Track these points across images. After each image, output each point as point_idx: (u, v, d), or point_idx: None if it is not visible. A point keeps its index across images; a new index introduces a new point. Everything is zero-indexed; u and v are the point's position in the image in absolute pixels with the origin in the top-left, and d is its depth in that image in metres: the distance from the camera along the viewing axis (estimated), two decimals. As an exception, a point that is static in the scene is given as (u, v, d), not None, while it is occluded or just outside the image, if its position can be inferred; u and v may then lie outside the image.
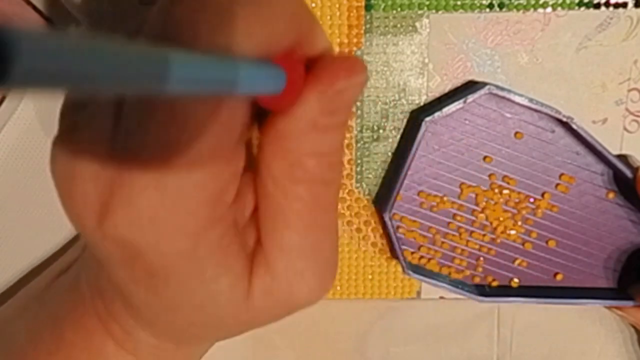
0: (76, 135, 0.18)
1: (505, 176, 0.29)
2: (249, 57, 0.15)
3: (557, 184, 0.29)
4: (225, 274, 0.18)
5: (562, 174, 0.29)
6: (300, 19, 0.17)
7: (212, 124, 0.16)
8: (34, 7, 0.25)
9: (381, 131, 0.28)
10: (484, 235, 0.29)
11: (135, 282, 0.18)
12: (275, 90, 0.16)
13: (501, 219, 0.29)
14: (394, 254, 0.29)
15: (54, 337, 0.23)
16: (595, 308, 0.31)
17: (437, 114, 0.26)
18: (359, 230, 0.30)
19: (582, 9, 0.27)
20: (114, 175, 0.16)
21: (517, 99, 0.27)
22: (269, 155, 0.18)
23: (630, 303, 0.29)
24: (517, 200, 0.29)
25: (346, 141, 0.28)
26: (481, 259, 0.30)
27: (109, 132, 0.17)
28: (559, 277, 0.30)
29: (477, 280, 0.30)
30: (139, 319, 0.21)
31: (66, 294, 0.23)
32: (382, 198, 0.29)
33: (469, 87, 0.27)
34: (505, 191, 0.29)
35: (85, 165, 0.17)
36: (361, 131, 0.28)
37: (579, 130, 0.27)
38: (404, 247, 0.29)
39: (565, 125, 0.27)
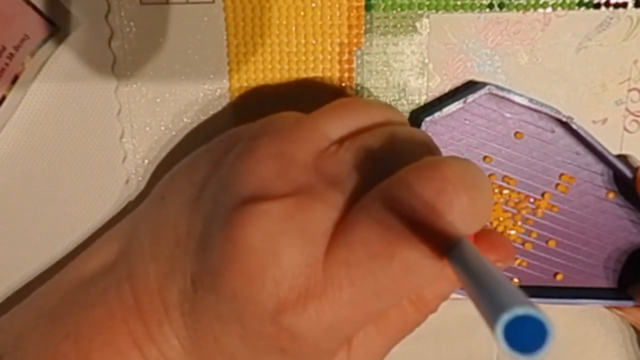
0: (296, 215, 0.19)
1: (505, 176, 0.29)
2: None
3: (557, 184, 0.29)
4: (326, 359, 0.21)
5: (562, 174, 0.29)
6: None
7: (421, 283, 0.19)
8: (34, 7, 0.25)
9: (381, 131, 0.28)
10: (484, 235, 0.29)
11: (251, 345, 0.20)
12: None
13: (501, 219, 0.29)
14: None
15: (80, 356, 0.22)
16: (595, 308, 0.31)
17: (437, 114, 0.26)
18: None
19: (582, 9, 0.27)
20: (323, 277, 0.18)
21: (517, 99, 0.27)
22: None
23: (630, 303, 0.29)
24: (517, 200, 0.29)
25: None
26: (481, 259, 0.30)
27: (329, 230, 0.19)
28: (559, 277, 0.30)
29: (477, 280, 0.30)
30: (196, 354, 0.21)
31: (91, 311, 0.22)
32: (382, 198, 0.29)
33: (469, 87, 0.27)
34: (505, 191, 0.29)
35: (295, 250, 0.18)
36: (361, 131, 0.28)
37: (579, 130, 0.27)
38: (403, 247, 0.29)
39: (565, 125, 0.27)
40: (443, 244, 0.17)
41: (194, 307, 0.20)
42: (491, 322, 0.12)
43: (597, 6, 0.27)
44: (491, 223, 0.29)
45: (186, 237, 0.21)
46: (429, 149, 0.22)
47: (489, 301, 0.13)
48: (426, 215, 0.18)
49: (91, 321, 0.22)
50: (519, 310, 0.12)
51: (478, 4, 0.27)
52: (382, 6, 0.27)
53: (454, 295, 0.30)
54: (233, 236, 0.19)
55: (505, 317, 0.12)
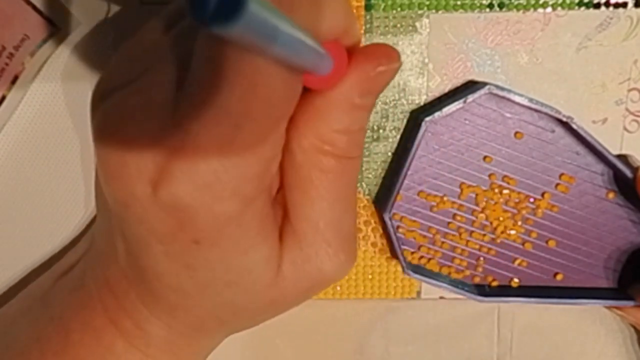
0: (130, 96, 0.18)
1: (505, 176, 0.29)
2: (315, 38, 0.16)
3: (557, 184, 0.29)
4: (262, 244, 0.19)
5: (562, 174, 0.29)
6: (350, 12, 0.19)
7: (278, 96, 0.17)
8: (34, 7, 0.25)
9: (381, 131, 0.28)
10: (484, 235, 0.29)
11: (173, 257, 0.19)
12: (323, 71, 0.18)
13: (501, 218, 0.29)
14: (394, 254, 0.29)
15: (60, 337, 0.22)
16: (595, 308, 0.31)
17: (437, 114, 0.26)
18: (359, 230, 0.30)
19: (582, 9, 0.27)
20: (174, 141, 0.17)
21: (517, 98, 0.27)
22: (301, 129, 0.19)
23: (630, 303, 0.29)
24: (517, 200, 0.29)
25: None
26: (481, 258, 0.30)
27: (169, 97, 0.17)
28: (559, 277, 0.30)
29: (477, 280, 0.30)
30: (158, 307, 0.21)
31: (71, 293, 0.23)
32: (382, 198, 0.29)
33: (469, 87, 0.27)
34: (505, 191, 0.29)
35: (141, 130, 0.17)
36: (361, 131, 0.28)
37: (579, 130, 0.27)
38: (404, 247, 0.29)
39: (565, 125, 0.27)
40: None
41: (132, 257, 0.20)
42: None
43: (597, 6, 0.27)
44: (491, 223, 0.29)
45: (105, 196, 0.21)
46: None
47: None
48: None
49: (72, 304, 0.23)
50: None
51: (478, 4, 0.27)
52: (382, 6, 0.27)
53: (454, 295, 0.30)
54: (94, 142, 0.18)
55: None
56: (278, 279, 0.20)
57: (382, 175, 0.29)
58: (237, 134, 0.16)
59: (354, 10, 0.27)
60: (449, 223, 0.29)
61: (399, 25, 0.27)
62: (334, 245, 0.20)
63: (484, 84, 0.27)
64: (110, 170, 0.18)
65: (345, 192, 0.20)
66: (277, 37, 0.12)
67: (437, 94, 0.28)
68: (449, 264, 0.30)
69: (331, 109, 0.19)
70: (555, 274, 0.30)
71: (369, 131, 0.28)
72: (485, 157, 0.28)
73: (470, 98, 0.26)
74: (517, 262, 0.30)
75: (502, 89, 0.27)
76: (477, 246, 0.30)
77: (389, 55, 0.19)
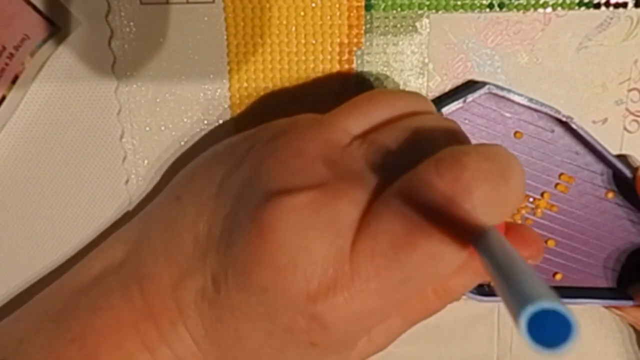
0: (322, 208, 0.19)
1: (505, 176, 0.29)
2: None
3: (557, 184, 0.29)
4: (349, 348, 0.22)
5: (561, 174, 0.29)
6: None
7: (447, 271, 0.19)
8: (34, 7, 0.25)
9: (381, 131, 0.28)
10: (483, 235, 0.29)
11: (279, 341, 0.20)
12: None
13: (501, 218, 0.29)
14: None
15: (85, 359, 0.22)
16: (595, 308, 0.31)
17: (437, 114, 0.26)
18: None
19: (582, 9, 0.27)
20: (350, 268, 0.19)
21: (517, 98, 0.27)
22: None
23: (629, 303, 0.29)
24: (516, 200, 0.29)
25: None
26: (481, 258, 0.30)
27: (355, 222, 0.19)
28: (558, 276, 0.30)
29: (476, 280, 0.30)
30: (213, 353, 0.21)
31: (94, 314, 0.22)
32: (382, 198, 0.29)
33: (469, 86, 0.27)
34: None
35: (324, 242, 0.19)
36: (361, 131, 0.28)
37: (579, 130, 0.27)
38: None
39: (565, 125, 0.27)
40: (466, 233, 0.17)
41: (215, 306, 0.20)
42: (515, 314, 0.12)
43: (597, 6, 0.27)
44: (491, 223, 0.29)
45: (206, 237, 0.21)
46: (456, 137, 0.22)
47: (514, 292, 0.13)
48: (446, 205, 0.18)
49: (97, 325, 0.22)
50: (544, 304, 0.12)
51: (478, 4, 0.27)
52: (382, 6, 0.27)
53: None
54: (261, 230, 0.19)
55: (530, 310, 0.12)
56: None
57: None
58: (399, 289, 0.19)
59: (355, 11, 0.27)
60: (448, 223, 0.29)
61: (399, 25, 0.27)
62: (388, 344, 0.23)
63: (484, 83, 0.27)
64: (275, 259, 0.19)
65: (423, 319, 0.23)
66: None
67: (437, 94, 0.28)
68: (449, 263, 0.30)
69: (469, 270, 0.21)
70: (555, 274, 0.30)
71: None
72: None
73: (470, 98, 0.26)
74: (516, 262, 0.30)
75: (502, 88, 0.27)
76: (477, 246, 0.30)
77: (540, 252, 0.22)
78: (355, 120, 0.22)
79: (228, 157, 0.23)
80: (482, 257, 0.16)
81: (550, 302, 0.12)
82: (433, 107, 0.24)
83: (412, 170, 0.19)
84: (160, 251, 0.22)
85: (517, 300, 0.12)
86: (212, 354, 0.21)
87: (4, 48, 0.25)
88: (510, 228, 0.22)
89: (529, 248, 0.21)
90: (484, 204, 0.18)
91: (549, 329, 0.12)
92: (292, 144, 0.21)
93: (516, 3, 0.27)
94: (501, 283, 0.14)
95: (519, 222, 0.29)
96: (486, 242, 0.16)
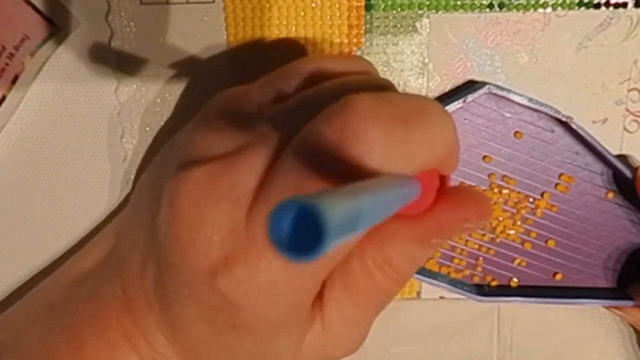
0: (219, 177, 0.18)
1: (504, 176, 0.29)
2: (408, 176, 0.16)
3: (557, 184, 0.29)
4: (294, 333, 0.20)
5: (561, 174, 0.29)
6: (453, 145, 0.19)
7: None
8: (34, 7, 0.25)
9: (381, 131, 0.28)
10: (483, 234, 0.29)
11: (206, 321, 0.19)
12: (409, 200, 0.17)
13: (500, 218, 0.29)
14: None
15: (73, 349, 0.22)
16: (595, 308, 0.31)
17: (436, 114, 0.26)
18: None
19: (582, 9, 0.27)
20: (245, 237, 0.17)
21: (517, 98, 0.27)
22: (369, 245, 0.19)
23: (629, 303, 0.29)
24: (516, 200, 0.29)
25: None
26: (480, 258, 0.30)
27: (253, 190, 0.18)
28: (558, 276, 0.30)
29: (476, 279, 0.30)
30: (177, 344, 0.21)
31: (84, 304, 0.22)
32: (382, 198, 0.29)
33: (469, 86, 0.27)
34: (505, 191, 0.29)
35: (219, 214, 0.18)
36: (361, 131, 0.28)
37: (579, 130, 0.27)
38: (403, 246, 0.29)
39: (565, 125, 0.27)
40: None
41: (163, 292, 0.20)
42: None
43: (597, 6, 0.27)
44: (490, 223, 0.29)
45: (151, 221, 0.21)
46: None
47: None
48: (336, 154, 0.16)
49: (85, 315, 0.22)
50: (285, 204, 0.10)
51: (478, 4, 0.27)
52: (382, 6, 0.27)
53: (454, 295, 0.30)
54: (168, 206, 0.18)
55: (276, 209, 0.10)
56: (296, 356, 0.20)
57: (382, 175, 0.29)
58: None
59: (355, 11, 0.27)
60: (448, 223, 0.29)
61: (399, 25, 0.27)
62: (351, 339, 0.21)
63: (484, 83, 0.27)
64: (177, 235, 0.18)
65: (383, 305, 0.21)
66: (360, 220, 0.11)
67: (437, 94, 0.28)
68: (448, 263, 0.30)
69: (405, 238, 0.19)
70: (555, 274, 0.30)
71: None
72: (484, 157, 0.28)
73: (469, 98, 0.26)
74: (516, 261, 0.30)
75: (502, 88, 0.27)
76: (477, 246, 0.30)
77: (481, 214, 0.19)
78: (276, 83, 0.21)
79: (172, 142, 0.23)
80: None
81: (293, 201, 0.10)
82: (373, 69, 0.23)
83: (310, 122, 0.17)
84: (130, 242, 0.22)
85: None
86: (175, 344, 0.21)
87: (4, 48, 0.25)
88: (443, 191, 0.19)
89: (464, 210, 0.19)
90: (378, 151, 0.16)
91: (302, 234, 0.10)
92: (217, 107, 0.20)
93: (516, 3, 0.27)
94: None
95: (519, 222, 0.29)
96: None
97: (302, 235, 0.10)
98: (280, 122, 0.19)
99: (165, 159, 0.22)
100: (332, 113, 0.17)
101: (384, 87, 0.21)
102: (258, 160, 0.18)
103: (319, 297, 0.20)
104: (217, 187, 0.18)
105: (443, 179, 0.19)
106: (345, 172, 0.16)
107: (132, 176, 0.29)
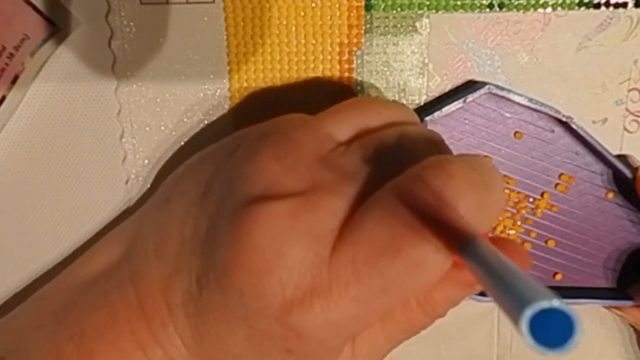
0: (302, 215, 0.19)
1: (504, 176, 0.29)
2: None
3: (557, 184, 0.29)
4: (332, 358, 0.21)
5: (561, 174, 0.29)
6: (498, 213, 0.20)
7: (431, 281, 0.19)
8: (34, 7, 0.25)
9: (381, 131, 0.28)
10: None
11: (256, 345, 0.20)
12: None
13: (500, 218, 0.29)
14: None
15: (82, 357, 0.22)
16: (595, 308, 0.31)
17: (436, 114, 0.26)
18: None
19: (582, 9, 0.27)
20: (328, 275, 0.18)
21: (517, 98, 0.27)
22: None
23: (629, 303, 0.29)
24: (516, 200, 0.29)
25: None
26: (481, 258, 0.30)
27: (335, 229, 0.19)
28: (558, 276, 0.30)
29: (476, 280, 0.30)
30: (203, 357, 0.21)
31: (93, 312, 0.22)
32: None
33: (469, 86, 0.27)
34: (505, 191, 0.29)
35: (302, 249, 0.19)
36: (361, 131, 0.28)
37: (579, 130, 0.27)
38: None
39: (565, 125, 0.27)
40: (453, 241, 0.17)
41: (199, 308, 0.20)
42: (516, 318, 0.12)
43: (597, 6, 0.27)
44: (491, 223, 0.29)
45: (192, 237, 0.21)
46: (438, 148, 0.22)
47: (511, 296, 0.13)
48: (432, 211, 0.18)
49: (94, 323, 0.22)
50: (544, 304, 0.12)
51: (478, 4, 0.27)
52: (382, 6, 0.27)
53: (453, 295, 0.30)
54: (240, 235, 0.19)
55: (529, 311, 0.12)
56: None
57: (382, 175, 0.29)
58: (380, 297, 0.18)
59: (355, 11, 0.27)
60: (448, 223, 0.29)
61: (399, 25, 0.27)
62: None
63: (484, 83, 0.27)
64: (251, 265, 0.19)
65: (410, 337, 0.22)
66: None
67: (437, 94, 0.28)
68: (449, 263, 0.30)
69: (454, 283, 0.21)
70: (555, 274, 0.30)
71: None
72: (484, 157, 0.28)
73: (470, 98, 0.26)
74: (516, 262, 0.30)
75: (502, 88, 0.27)
76: (477, 246, 0.30)
77: (523, 264, 0.21)
78: (341, 125, 0.22)
79: (215, 158, 0.23)
80: (471, 264, 0.16)
81: (548, 301, 0.12)
82: (417, 118, 0.24)
83: (397, 178, 0.19)
84: (152, 251, 0.22)
85: (515, 304, 0.12)
86: (198, 356, 0.21)
87: (4, 48, 0.25)
88: (493, 241, 0.22)
89: (515, 260, 0.21)
90: (469, 213, 0.18)
91: (551, 329, 0.12)
92: (275, 145, 0.21)
93: (516, 3, 0.27)
94: (496, 288, 0.14)
95: (519, 222, 0.29)
96: (475, 249, 0.16)
97: (557, 332, 0.12)
98: (361, 166, 0.20)
99: (209, 172, 0.22)
100: (430, 173, 0.18)
101: (440, 141, 0.23)
102: (339, 202, 0.19)
103: None
104: (299, 223, 0.19)
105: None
106: (434, 230, 0.17)
107: (132, 176, 0.29)
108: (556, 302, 0.12)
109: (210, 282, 0.20)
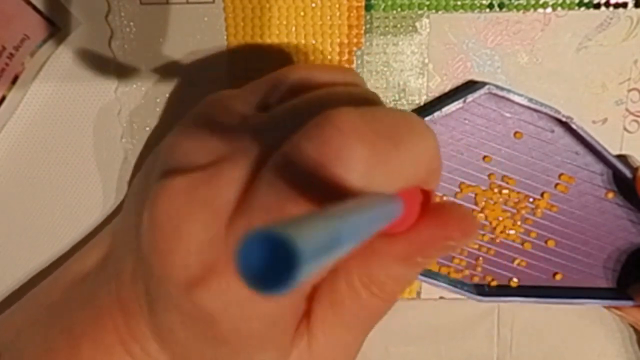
0: (201, 186, 0.18)
1: (504, 176, 0.29)
2: (386, 194, 0.16)
3: (557, 184, 0.29)
4: (274, 350, 0.20)
5: (561, 174, 0.29)
6: (437, 161, 0.18)
7: None
8: (34, 7, 0.25)
9: (381, 131, 0.28)
10: (483, 234, 0.29)
11: (188, 329, 0.19)
12: (392, 219, 0.16)
13: (500, 218, 0.29)
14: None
15: (70, 351, 0.22)
16: (595, 308, 0.31)
17: (436, 114, 0.26)
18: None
19: (582, 9, 0.27)
20: (224, 250, 0.17)
21: (517, 98, 0.27)
22: (354, 265, 0.19)
23: (629, 303, 0.29)
24: (516, 200, 0.29)
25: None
26: (480, 258, 0.30)
27: (233, 202, 0.17)
28: (558, 276, 0.30)
29: (476, 279, 0.30)
30: (170, 351, 0.21)
31: (83, 306, 0.22)
32: (382, 198, 0.29)
33: (469, 87, 0.27)
34: (505, 191, 0.29)
35: (198, 224, 0.17)
36: (361, 131, 0.28)
37: (579, 130, 0.27)
38: (403, 246, 0.29)
39: (565, 125, 0.27)
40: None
41: (150, 299, 0.20)
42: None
43: (597, 6, 0.27)
44: (490, 223, 0.29)
45: (137, 227, 0.21)
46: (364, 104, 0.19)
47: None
48: (317, 171, 0.15)
49: (82, 318, 0.22)
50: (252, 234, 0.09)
51: (478, 4, 0.27)
52: (382, 6, 0.27)
53: (453, 295, 0.30)
54: (148, 215, 0.18)
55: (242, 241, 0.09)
56: None
57: (382, 175, 0.29)
58: None
59: (355, 11, 0.27)
60: (448, 223, 0.29)
61: (399, 25, 0.27)
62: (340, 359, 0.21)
63: (484, 83, 0.27)
64: (156, 245, 0.18)
65: (371, 325, 0.21)
66: (339, 244, 0.11)
67: (437, 94, 0.28)
68: (448, 263, 0.30)
69: (391, 257, 0.19)
70: (555, 274, 0.30)
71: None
72: (484, 157, 0.28)
73: (470, 98, 0.26)
74: (516, 261, 0.30)
75: (502, 88, 0.27)
76: (477, 246, 0.30)
77: (465, 232, 0.18)
78: (261, 91, 0.21)
79: (160, 146, 0.22)
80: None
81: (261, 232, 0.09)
82: (361, 81, 0.22)
83: (292, 136, 0.17)
84: (125, 245, 0.22)
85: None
86: (166, 350, 0.21)
87: (4, 48, 0.25)
88: (436, 206, 0.19)
89: (446, 228, 0.18)
90: (361, 170, 0.16)
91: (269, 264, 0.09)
92: (193, 125, 0.20)
93: (516, 3, 0.27)
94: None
95: (519, 222, 0.29)
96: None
97: (274, 266, 0.09)
98: (263, 133, 0.19)
99: (151, 165, 0.22)
100: (312, 128, 0.16)
101: (370, 100, 0.20)
102: (239, 172, 0.18)
103: (307, 315, 0.20)
104: (196, 197, 0.18)
105: (426, 194, 0.19)
106: (326, 191, 0.16)
107: (132, 176, 0.29)
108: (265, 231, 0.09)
109: (146, 271, 0.19)
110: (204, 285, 0.17)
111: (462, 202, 0.29)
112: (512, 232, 0.29)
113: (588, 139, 0.27)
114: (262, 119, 0.19)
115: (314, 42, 0.27)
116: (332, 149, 0.15)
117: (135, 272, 0.21)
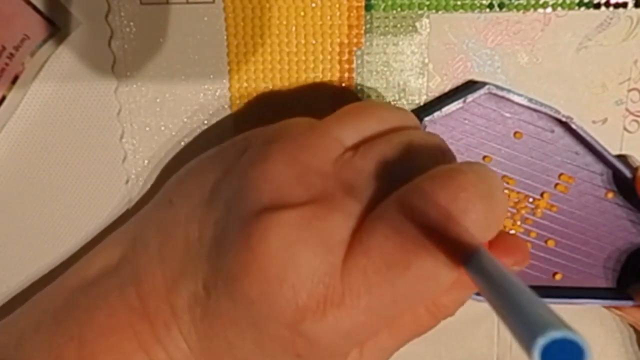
0: (313, 223, 0.19)
1: (504, 176, 0.29)
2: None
3: (557, 184, 0.29)
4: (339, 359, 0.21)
5: (561, 174, 0.29)
6: (500, 220, 0.20)
7: (439, 290, 0.19)
8: (34, 7, 0.25)
9: (381, 131, 0.28)
10: (483, 235, 0.29)
11: (264, 348, 0.20)
12: None
13: (501, 218, 0.29)
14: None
15: (85, 359, 0.22)
16: (595, 308, 0.31)
17: (436, 114, 0.26)
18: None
19: (582, 9, 0.27)
20: (341, 284, 0.19)
21: (517, 98, 0.27)
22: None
23: (629, 303, 0.29)
24: (516, 200, 0.29)
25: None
26: (481, 258, 0.30)
27: (346, 239, 0.19)
28: (558, 276, 0.30)
29: (476, 280, 0.30)
30: (207, 358, 0.21)
31: (94, 314, 0.22)
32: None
33: (469, 87, 0.27)
34: (505, 191, 0.29)
35: (315, 258, 0.19)
36: (361, 131, 0.28)
37: (579, 130, 0.27)
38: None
39: (565, 125, 0.27)
40: (459, 253, 0.17)
41: (206, 312, 0.20)
42: (526, 345, 0.12)
43: (597, 6, 0.27)
44: (491, 223, 0.29)
45: (197, 242, 0.21)
46: (443, 154, 0.22)
47: (518, 319, 0.13)
48: (441, 223, 0.18)
49: (95, 324, 0.22)
50: (556, 334, 0.12)
51: (478, 4, 0.27)
52: (382, 6, 0.27)
53: (453, 295, 0.30)
54: (251, 243, 0.19)
55: (542, 341, 0.12)
56: None
57: (382, 175, 0.29)
58: (390, 307, 0.19)
59: (355, 11, 0.27)
60: (448, 223, 0.29)
61: (399, 25, 0.27)
62: None
63: (484, 83, 0.27)
64: (263, 273, 0.19)
65: (416, 337, 0.23)
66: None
67: (437, 94, 0.28)
68: (449, 263, 0.30)
69: (461, 286, 0.20)
70: (555, 274, 0.30)
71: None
72: (484, 157, 0.28)
73: (469, 98, 0.26)
74: (516, 262, 0.30)
75: (502, 88, 0.27)
76: (477, 246, 0.30)
77: (524, 257, 0.21)
78: (347, 130, 0.22)
79: (220, 162, 0.23)
80: (473, 276, 0.16)
81: (560, 331, 0.12)
82: (418, 123, 0.24)
83: (407, 186, 0.19)
84: (154, 253, 0.22)
85: (524, 329, 0.12)
86: (203, 358, 0.21)
87: (4, 48, 0.25)
88: (493, 238, 0.22)
89: (514, 255, 0.21)
90: (478, 224, 0.18)
91: (561, 356, 0.12)
92: (283, 151, 0.21)
93: (516, 3, 0.27)
94: (499, 305, 0.14)
95: (519, 222, 0.29)
96: (478, 261, 0.16)
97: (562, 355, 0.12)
98: (370, 172, 0.20)
99: (214, 175, 0.22)
100: (440, 184, 0.18)
101: (444, 148, 0.23)
102: (352, 208, 0.19)
103: None
104: (311, 232, 0.19)
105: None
106: (444, 241, 0.18)
107: (132, 176, 0.29)
108: (568, 332, 0.12)
109: (219, 288, 0.20)
110: (318, 315, 0.18)
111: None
112: (511, 232, 0.29)
113: (588, 139, 0.27)
114: (359, 161, 0.21)
115: (314, 42, 0.27)
116: (460, 206, 0.18)
117: (178, 283, 0.21)
